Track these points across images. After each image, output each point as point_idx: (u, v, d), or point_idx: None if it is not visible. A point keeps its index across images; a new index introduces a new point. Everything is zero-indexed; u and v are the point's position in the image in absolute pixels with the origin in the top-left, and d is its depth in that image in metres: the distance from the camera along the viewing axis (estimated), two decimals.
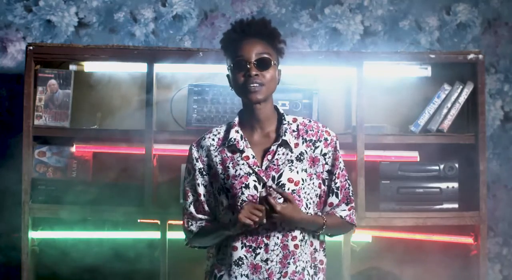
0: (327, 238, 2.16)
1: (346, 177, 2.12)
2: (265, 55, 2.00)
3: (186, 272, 2.97)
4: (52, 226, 2.89)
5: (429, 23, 3.32)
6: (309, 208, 2.04)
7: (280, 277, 1.97)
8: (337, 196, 2.09)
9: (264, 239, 1.97)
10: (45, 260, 2.91)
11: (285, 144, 2.04)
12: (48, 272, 2.92)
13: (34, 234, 2.84)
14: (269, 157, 2.02)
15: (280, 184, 1.99)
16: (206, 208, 2.08)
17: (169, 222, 2.81)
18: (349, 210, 2.10)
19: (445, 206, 2.88)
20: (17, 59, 3.22)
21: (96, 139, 2.89)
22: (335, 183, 2.09)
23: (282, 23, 3.26)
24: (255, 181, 1.99)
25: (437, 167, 2.90)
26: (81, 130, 2.90)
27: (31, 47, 2.81)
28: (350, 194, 2.12)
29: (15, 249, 2.83)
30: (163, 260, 2.81)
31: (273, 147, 2.03)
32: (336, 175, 2.09)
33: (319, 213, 2.09)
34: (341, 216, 2.08)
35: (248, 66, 1.98)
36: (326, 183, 2.09)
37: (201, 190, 2.08)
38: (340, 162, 2.10)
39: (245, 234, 1.96)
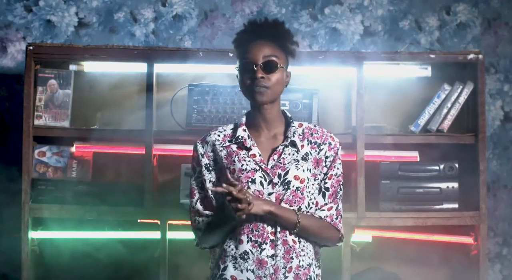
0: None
1: (340, 183, 2.09)
2: (272, 58, 2.00)
3: (186, 272, 2.97)
4: (52, 226, 2.89)
5: (429, 23, 3.32)
6: (311, 208, 2.04)
7: (285, 272, 1.97)
8: (323, 197, 2.06)
9: (270, 235, 1.97)
10: (45, 260, 2.91)
11: (293, 145, 2.05)
12: (48, 272, 2.92)
13: (34, 234, 2.84)
14: (275, 157, 2.03)
15: (286, 181, 1.99)
16: (214, 203, 2.06)
17: (169, 222, 2.82)
18: (329, 210, 2.05)
19: (445, 206, 2.88)
20: (17, 59, 3.23)
21: (96, 139, 2.89)
22: (325, 183, 2.07)
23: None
24: (261, 177, 1.99)
25: (437, 167, 2.90)
26: (81, 130, 2.90)
27: (31, 47, 2.81)
28: (338, 198, 2.08)
29: (15, 249, 2.83)
30: (163, 260, 2.81)
31: (280, 147, 2.04)
32: (328, 176, 2.07)
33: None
34: (320, 217, 2.04)
35: (255, 69, 1.99)
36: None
37: (209, 186, 2.06)
38: (337, 167, 2.09)
39: (251, 228, 1.97)
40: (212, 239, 2.06)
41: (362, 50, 3.21)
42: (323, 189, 2.07)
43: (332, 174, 2.08)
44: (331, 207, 2.07)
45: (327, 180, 2.07)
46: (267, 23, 2.04)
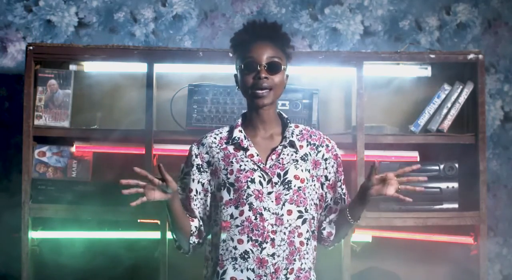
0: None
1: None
2: (276, 59, 2.02)
3: (186, 272, 2.97)
4: (52, 226, 2.89)
5: (429, 23, 3.32)
6: (311, 209, 2.05)
7: (286, 273, 1.98)
8: (344, 203, 2.16)
9: (270, 234, 1.98)
10: (45, 260, 2.91)
11: (291, 145, 2.06)
12: (48, 272, 2.92)
13: (34, 234, 2.84)
14: (274, 157, 2.03)
15: (286, 180, 2.00)
16: (192, 205, 2.09)
17: None
18: None
19: (445, 206, 2.88)
20: (17, 59, 3.23)
21: (96, 139, 2.88)
22: (342, 190, 2.15)
23: (282, 23, 3.25)
24: (260, 177, 2.00)
25: (437, 167, 2.90)
26: (81, 130, 2.90)
27: (31, 47, 2.80)
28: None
29: (15, 249, 2.83)
30: (163, 260, 2.81)
31: (279, 148, 2.05)
32: (342, 182, 2.15)
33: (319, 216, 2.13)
34: None
35: (259, 69, 2.00)
36: (326, 190, 2.12)
37: (194, 186, 2.09)
38: (342, 171, 2.16)
39: (251, 228, 1.97)
40: (176, 233, 2.11)
41: (362, 50, 3.21)
42: (343, 196, 2.15)
43: (343, 179, 2.16)
44: None
45: (342, 186, 2.16)
46: (267, 25, 2.05)
